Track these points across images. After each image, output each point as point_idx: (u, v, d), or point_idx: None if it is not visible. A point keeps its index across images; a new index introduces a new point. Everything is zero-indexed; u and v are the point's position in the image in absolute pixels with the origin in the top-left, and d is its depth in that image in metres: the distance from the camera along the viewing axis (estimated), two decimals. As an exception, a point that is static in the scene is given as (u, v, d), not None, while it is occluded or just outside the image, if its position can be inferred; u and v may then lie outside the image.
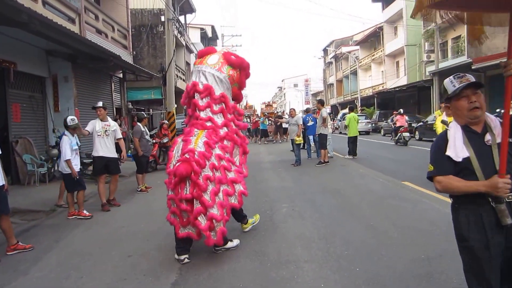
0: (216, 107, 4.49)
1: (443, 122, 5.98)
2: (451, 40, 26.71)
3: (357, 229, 5.10)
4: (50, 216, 6.69)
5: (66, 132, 6.49)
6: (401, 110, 19.66)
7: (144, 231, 5.48)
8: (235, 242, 4.49)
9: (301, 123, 12.46)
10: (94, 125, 7.09)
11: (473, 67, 19.66)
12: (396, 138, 17.82)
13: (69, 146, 6.32)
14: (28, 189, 8.93)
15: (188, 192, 3.95)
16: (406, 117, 20.25)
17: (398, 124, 18.60)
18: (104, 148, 7.09)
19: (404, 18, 30.87)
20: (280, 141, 22.70)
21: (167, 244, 4.71)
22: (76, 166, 6.46)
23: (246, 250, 4.46)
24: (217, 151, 4.27)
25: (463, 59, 23.08)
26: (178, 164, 4.00)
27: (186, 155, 4.02)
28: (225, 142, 4.48)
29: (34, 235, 5.56)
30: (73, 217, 6.36)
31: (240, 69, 4.72)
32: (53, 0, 10.24)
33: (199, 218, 3.93)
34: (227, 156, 4.40)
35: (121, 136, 7.63)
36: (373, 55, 40.01)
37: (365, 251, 4.25)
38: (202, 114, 4.48)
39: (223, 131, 4.48)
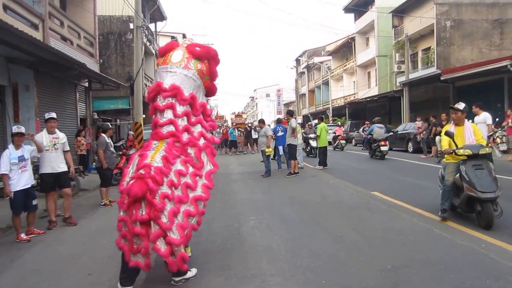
0: (180, 109, 3.98)
1: (447, 133, 5.68)
2: (421, 51, 27.52)
3: (325, 240, 5.06)
4: (6, 233, 6.30)
5: (10, 145, 6.01)
6: (339, 123, 20.67)
7: (106, 248, 5.11)
8: (194, 270, 4.01)
9: (270, 133, 12.49)
10: (41, 139, 6.57)
11: (442, 78, 20.28)
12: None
13: (7, 159, 5.76)
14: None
15: (144, 213, 3.48)
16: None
17: (337, 134, 19.86)
18: (53, 163, 6.63)
19: (375, 29, 31.70)
20: (253, 152, 22.51)
21: None
22: (17, 184, 5.83)
23: (211, 264, 4.31)
24: (178, 166, 3.80)
25: (432, 70, 23.77)
26: (132, 182, 3.55)
27: (141, 171, 3.57)
28: (189, 150, 3.99)
29: None
30: (26, 241, 5.74)
31: (208, 59, 4.24)
32: (15, 5, 9.84)
33: (158, 242, 3.49)
34: (191, 170, 3.95)
35: (68, 149, 7.11)
36: (345, 66, 40.82)
37: (332, 263, 4.21)
38: (162, 117, 4.00)
39: (186, 137, 3.99)
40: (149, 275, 4.02)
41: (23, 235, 5.78)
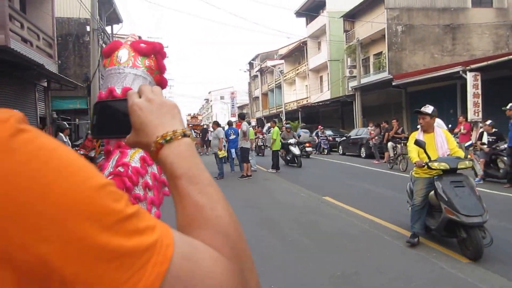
0: None
1: (417, 142, 4.86)
2: (373, 56, 27.54)
3: (276, 245, 5.12)
4: None
5: None
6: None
7: None
8: None
9: (222, 136, 12.51)
10: None
11: (393, 83, 20.02)
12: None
13: None
14: None
15: None
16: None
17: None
18: None
19: (327, 34, 31.77)
20: (207, 154, 22.66)
21: None
22: None
23: None
24: (154, 168, 4.20)
25: (384, 75, 23.43)
26: (110, 177, 3.86)
27: (120, 168, 3.94)
28: None
29: None
30: None
31: (154, 54, 4.49)
32: (-25, 7, 9.74)
33: None
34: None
35: None
36: (297, 70, 41.11)
37: (283, 268, 4.25)
38: None
39: None
40: None
41: None
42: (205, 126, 26.03)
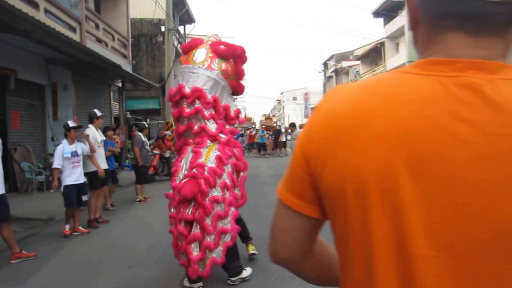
0: (206, 112, 3.82)
1: None
2: None
3: None
4: (48, 224, 6.62)
5: (64, 140, 6.04)
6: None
7: (143, 242, 5.38)
8: (249, 270, 3.97)
9: None
10: (95, 136, 6.63)
11: None
12: None
13: (60, 154, 5.82)
14: (25, 196, 8.89)
15: (190, 213, 3.46)
16: None
17: None
18: (104, 160, 6.83)
19: (406, 34, 30.43)
20: (281, 155, 22.25)
21: (167, 256, 4.56)
22: (68, 178, 5.86)
23: (248, 265, 4.25)
24: (230, 168, 3.75)
25: None
26: (185, 180, 3.54)
27: (194, 170, 3.54)
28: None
29: (33, 243, 5.50)
30: (76, 233, 5.88)
31: (234, 58, 3.96)
32: (55, 8, 10.33)
33: (192, 244, 3.43)
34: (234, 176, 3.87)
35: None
36: (374, 71, 39.82)
37: None
38: (193, 123, 3.85)
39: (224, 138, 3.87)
40: (216, 276, 3.91)
41: (67, 227, 5.85)
42: (277, 127, 25.34)
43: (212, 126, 3.85)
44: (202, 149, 3.73)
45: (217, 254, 3.51)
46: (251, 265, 4.30)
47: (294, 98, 76.35)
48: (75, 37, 10.93)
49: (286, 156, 21.23)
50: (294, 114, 72.20)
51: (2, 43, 8.52)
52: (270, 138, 23.81)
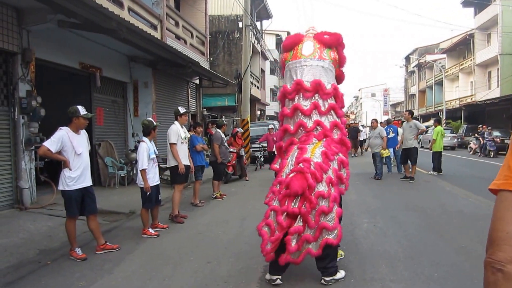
0: (324, 106, 3.83)
1: None
2: None
3: (447, 251, 4.73)
4: (130, 218, 6.84)
5: (145, 139, 5.82)
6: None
7: (221, 238, 5.47)
8: (343, 272, 3.88)
9: (385, 135, 11.61)
10: (180, 132, 6.61)
11: None
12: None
13: (146, 154, 5.59)
14: (108, 191, 9.19)
15: (296, 206, 3.47)
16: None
17: None
18: (186, 156, 6.86)
19: (499, 25, 28.11)
20: (356, 155, 20.26)
21: (245, 252, 4.74)
22: (153, 178, 5.76)
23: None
24: (335, 164, 3.74)
25: None
26: (292, 175, 3.56)
27: (301, 165, 3.58)
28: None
29: (116, 236, 5.71)
30: (145, 236, 5.63)
31: (336, 46, 4.07)
32: (138, 7, 10.53)
33: (291, 237, 3.46)
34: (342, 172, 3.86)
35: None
36: (461, 65, 37.01)
37: (457, 275, 3.94)
38: (308, 121, 3.85)
39: (336, 135, 3.89)
40: (298, 272, 3.94)
41: (151, 230, 5.75)
42: (355, 125, 23.21)
43: (327, 122, 3.86)
44: (307, 145, 3.77)
45: (314, 247, 3.53)
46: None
47: (373, 95, 73.42)
48: (156, 34, 11.08)
49: (361, 156, 19.84)
50: (372, 111, 69.35)
51: (89, 42, 8.81)
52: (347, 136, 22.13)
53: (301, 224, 3.47)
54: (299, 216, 3.48)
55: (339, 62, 4.13)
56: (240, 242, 5.20)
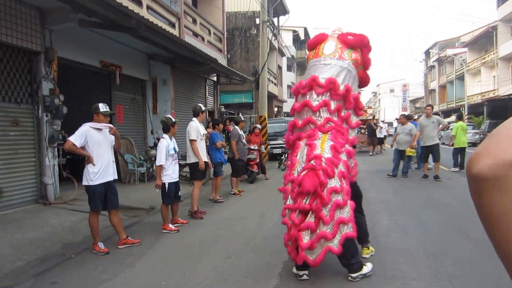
0: (333, 106, 3.85)
1: None
2: None
3: (470, 249, 4.66)
4: (150, 213, 6.97)
5: (165, 135, 5.90)
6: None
7: (240, 234, 5.53)
8: (370, 265, 3.87)
9: (415, 132, 10.75)
10: (199, 129, 6.69)
11: None
12: None
13: (165, 150, 5.67)
14: (128, 187, 9.35)
15: (307, 203, 3.52)
16: None
17: None
18: (205, 153, 6.93)
19: None
20: (372, 153, 18.87)
21: (264, 248, 4.80)
22: (172, 175, 5.82)
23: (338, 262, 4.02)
24: (344, 156, 3.77)
25: None
26: (304, 173, 3.59)
27: (312, 162, 3.60)
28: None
29: (136, 231, 5.82)
30: (165, 231, 5.71)
31: (361, 47, 4.06)
32: (156, 5, 10.63)
33: (303, 232, 3.50)
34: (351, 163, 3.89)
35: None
36: (483, 58, 36.09)
37: (481, 274, 3.88)
38: (318, 116, 3.88)
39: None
40: (325, 268, 3.93)
41: (171, 226, 5.83)
42: (374, 122, 21.36)
43: (335, 119, 3.90)
44: (315, 141, 3.78)
45: (334, 244, 3.51)
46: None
47: (391, 90, 72.19)
48: (174, 32, 11.16)
49: (380, 154, 18.95)
50: (390, 107, 68.29)
51: (109, 40, 8.95)
52: (364, 133, 20.01)
53: (313, 220, 3.49)
54: (310, 212, 3.51)
55: (363, 64, 4.13)
56: (259, 238, 5.25)
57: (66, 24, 7.07)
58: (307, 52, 4.41)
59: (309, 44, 4.34)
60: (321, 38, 4.18)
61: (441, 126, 10.47)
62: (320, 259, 3.52)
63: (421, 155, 10.82)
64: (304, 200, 3.52)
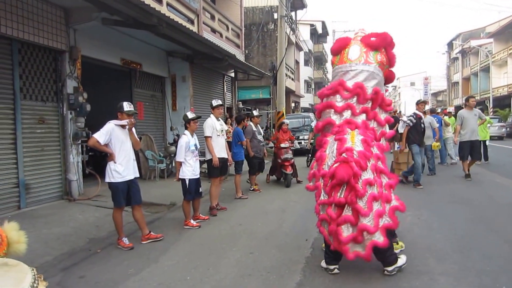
0: (358, 108, 3.85)
1: None
2: None
3: (499, 243, 4.58)
4: (171, 209, 7.04)
5: (186, 132, 5.94)
6: None
7: (261, 230, 5.53)
8: (404, 257, 3.82)
9: (437, 125, 10.38)
10: (214, 125, 6.68)
11: None
12: None
13: (185, 146, 5.73)
14: (149, 183, 9.45)
15: (342, 196, 3.50)
16: None
17: None
18: (223, 149, 6.79)
19: None
20: (399, 148, 18.15)
21: (286, 244, 4.81)
22: (192, 171, 5.84)
23: (373, 257, 3.87)
24: (375, 150, 3.76)
25: None
26: (336, 165, 3.57)
27: (344, 155, 3.58)
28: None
29: (158, 226, 5.89)
30: (187, 227, 5.77)
31: (385, 47, 4.04)
32: (175, 2, 10.69)
33: (342, 226, 3.50)
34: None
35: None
36: (510, 49, 34.99)
37: (509, 268, 3.82)
38: (339, 117, 3.90)
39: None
40: (356, 263, 3.84)
41: (193, 221, 5.88)
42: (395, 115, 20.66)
43: (359, 120, 3.88)
44: (345, 136, 3.77)
45: (377, 237, 3.49)
46: (374, 257, 3.89)
47: (412, 84, 70.80)
48: (193, 28, 11.21)
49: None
50: (411, 101, 66.70)
51: (129, 38, 9.07)
52: None
53: (350, 213, 3.47)
54: (346, 206, 3.49)
55: (389, 63, 4.10)
56: (281, 234, 5.25)
57: (89, 23, 7.20)
58: (331, 57, 4.37)
59: (332, 49, 4.27)
60: (345, 43, 4.12)
61: (479, 121, 9.61)
62: (368, 254, 3.52)
63: (460, 151, 9.48)
64: (339, 194, 3.51)
